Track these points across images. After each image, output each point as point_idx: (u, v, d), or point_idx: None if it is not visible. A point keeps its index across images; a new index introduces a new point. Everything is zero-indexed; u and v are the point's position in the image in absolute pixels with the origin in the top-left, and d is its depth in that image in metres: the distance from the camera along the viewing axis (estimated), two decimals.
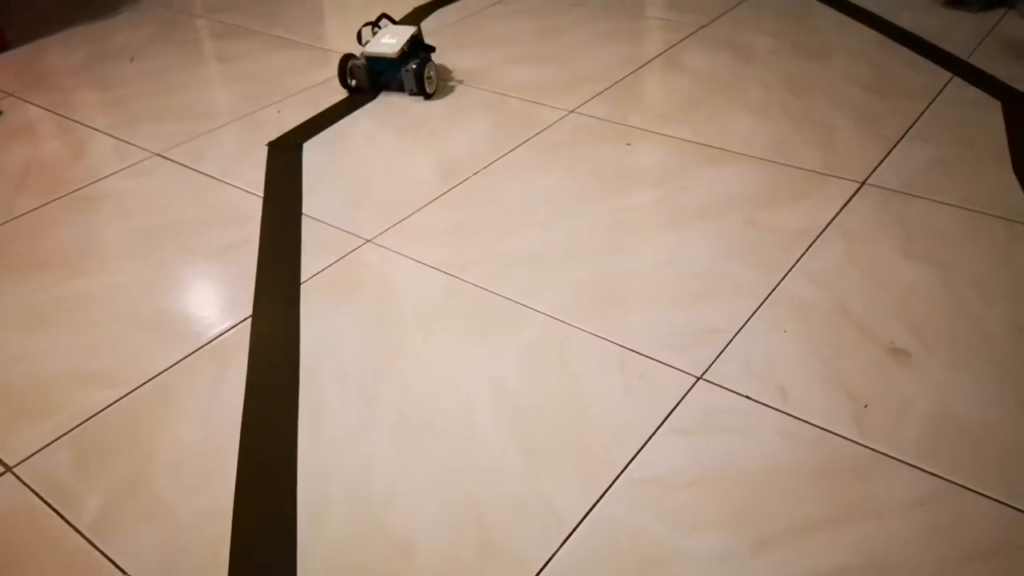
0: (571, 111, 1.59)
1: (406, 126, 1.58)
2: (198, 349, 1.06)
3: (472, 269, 1.18)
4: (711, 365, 0.99)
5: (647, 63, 1.76)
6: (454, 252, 1.21)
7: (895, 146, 1.38)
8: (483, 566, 0.78)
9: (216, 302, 1.15)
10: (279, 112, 1.65)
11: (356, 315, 1.10)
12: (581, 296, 1.11)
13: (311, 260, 1.21)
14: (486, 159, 1.44)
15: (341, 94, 1.71)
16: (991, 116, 1.46)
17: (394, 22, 1.76)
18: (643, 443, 0.89)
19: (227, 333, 1.08)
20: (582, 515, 0.82)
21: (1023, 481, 0.82)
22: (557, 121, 1.55)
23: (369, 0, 2.24)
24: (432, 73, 1.67)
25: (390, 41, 1.67)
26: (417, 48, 1.70)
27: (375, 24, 1.74)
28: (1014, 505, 0.80)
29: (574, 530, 0.80)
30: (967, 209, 1.21)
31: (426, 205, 1.33)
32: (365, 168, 1.44)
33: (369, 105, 1.67)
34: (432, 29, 2.01)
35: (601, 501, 0.83)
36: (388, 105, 1.66)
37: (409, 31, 1.69)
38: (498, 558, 0.78)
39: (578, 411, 0.94)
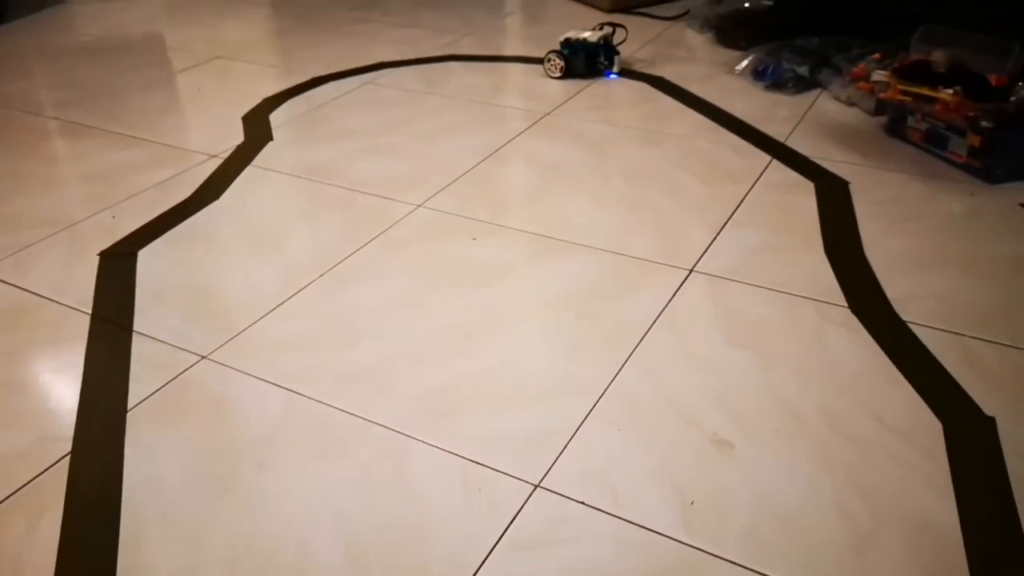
0: (419, 205, 1.61)
1: (249, 228, 1.55)
2: (4, 500, 0.98)
3: (312, 383, 1.16)
4: (548, 471, 1.00)
5: (493, 153, 1.81)
6: (294, 365, 1.19)
7: (720, 232, 1.47)
8: None
9: (29, 440, 1.07)
10: (113, 217, 1.59)
11: (186, 444, 1.06)
12: (423, 405, 1.11)
13: (140, 383, 1.16)
14: (331, 260, 1.43)
15: (182, 194, 1.67)
16: (805, 198, 1.57)
17: None
18: (480, 563, 0.89)
19: (40, 476, 1.01)
20: None
21: (836, 571, 0.86)
22: (405, 216, 1.57)
23: (222, 93, 2.22)
24: None
25: None
26: None
27: None
28: None
29: None
30: (783, 292, 1.30)
31: (267, 314, 1.30)
32: (204, 276, 1.40)
33: (212, 205, 1.63)
34: (280, 122, 2.00)
35: None
36: (232, 205, 1.63)
37: None
38: None
39: (418, 532, 0.93)
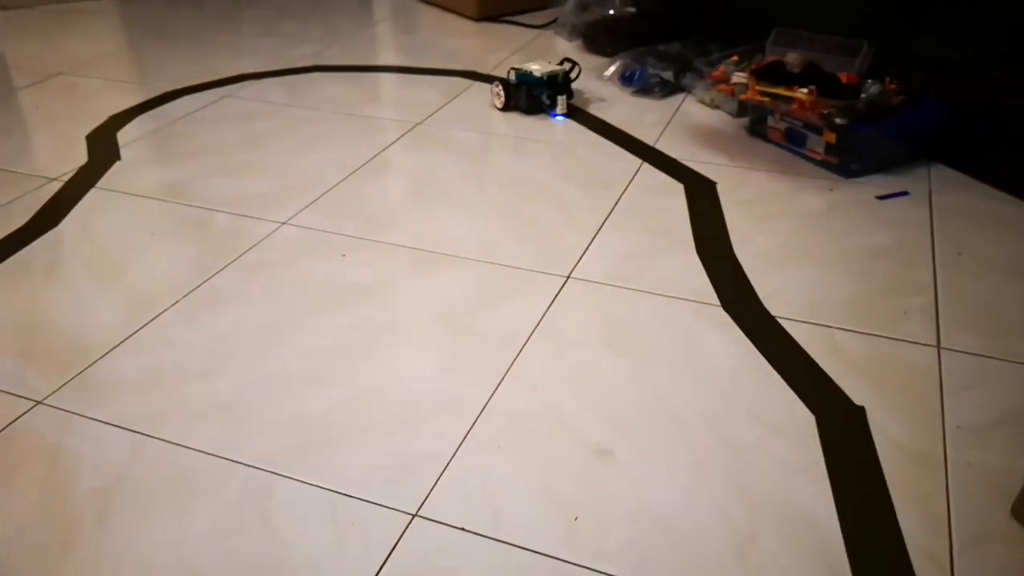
0: (283, 223, 1.52)
1: (92, 255, 1.42)
2: None
3: (163, 423, 1.05)
4: (426, 498, 0.95)
5: (362, 166, 1.74)
6: (142, 404, 1.08)
7: (594, 238, 1.46)
8: None
9: None
10: None
11: (20, 503, 0.94)
12: (288, 439, 1.03)
13: None
14: (185, 287, 1.32)
15: (16, 223, 1.51)
16: (676, 200, 1.59)
17: None
18: None
19: None
20: None
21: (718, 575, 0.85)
22: (267, 236, 1.48)
23: (64, 111, 2.04)
24: None
25: None
26: None
27: None
28: None
29: None
30: (658, 295, 1.29)
31: (111, 350, 1.18)
32: (39, 311, 1.27)
33: (50, 233, 1.49)
34: (129, 140, 1.86)
35: None
36: (73, 232, 1.49)
37: None
38: None
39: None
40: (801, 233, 1.46)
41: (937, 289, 1.29)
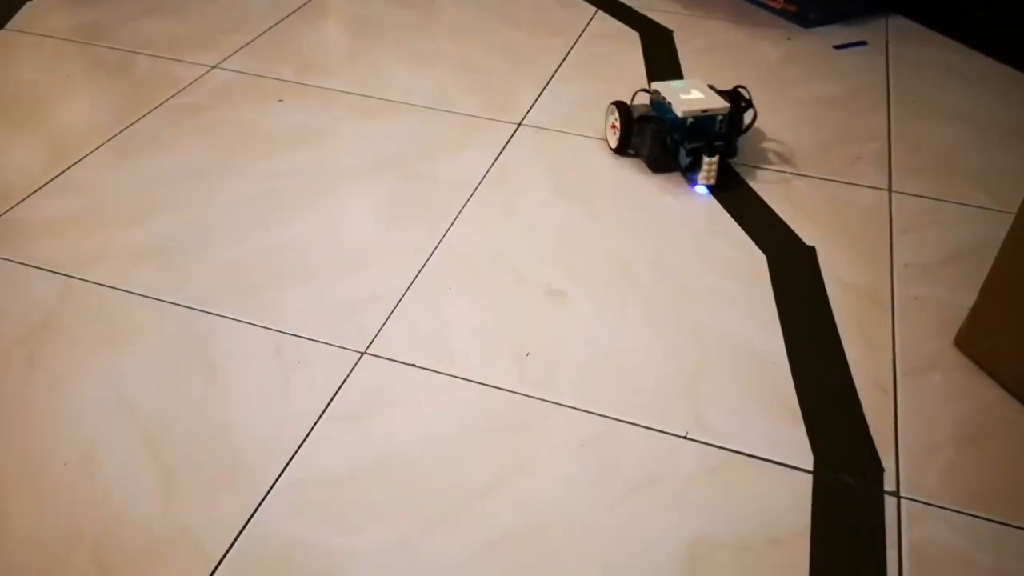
0: (213, 67, 1.41)
1: (4, 101, 1.30)
2: None
3: (92, 267, 1.00)
4: (375, 337, 0.92)
5: (298, 9, 1.62)
6: (68, 249, 1.02)
7: (547, 85, 1.40)
8: None
9: None
10: None
11: None
12: (227, 281, 0.99)
13: None
14: (107, 132, 1.23)
15: None
16: (631, 48, 1.52)
17: None
18: (303, 439, 0.81)
19: None
20: (229, 542, 0.72)
21: (669, 408, 0.85)
22: (197, 79, 1.37)
23: None
24: None
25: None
26: None
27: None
28: (665, 430, 0.83)
29: (218, 565, 0.70)
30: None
31: (32, 194, 1.10)
32: None
33: None
34: None
35: (252, 521, 0.73)
36: None
37: None
38: None
39: (226, 415, 0.83)
40: (758, 82, 1.42)
41: (890, 136, 1.28)
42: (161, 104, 1.30)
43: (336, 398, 0.85)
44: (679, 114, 1.12)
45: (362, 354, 0.90)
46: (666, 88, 1.17)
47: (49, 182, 1.13)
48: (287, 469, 0.78)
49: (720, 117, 1.15)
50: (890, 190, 1.16)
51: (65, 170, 1.15)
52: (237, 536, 0.72)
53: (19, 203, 1.09)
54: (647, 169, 1.20)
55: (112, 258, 1.01)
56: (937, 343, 0.93)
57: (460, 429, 0.82)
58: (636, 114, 1.18)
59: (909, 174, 1.20)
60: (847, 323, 0.95)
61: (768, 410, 0.85)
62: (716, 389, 0.87)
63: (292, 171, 1.17)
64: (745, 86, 1.21)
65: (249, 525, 0.73)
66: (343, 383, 0.87)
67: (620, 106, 1.19)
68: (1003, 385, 0.87)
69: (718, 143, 1.14)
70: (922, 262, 1.04)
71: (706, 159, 1.12)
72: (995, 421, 0.84)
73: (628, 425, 0.83)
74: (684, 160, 1.14)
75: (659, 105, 1.18)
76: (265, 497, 0.75)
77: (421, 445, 0.81)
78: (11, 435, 0.80)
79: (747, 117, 1.19)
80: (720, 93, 1.17)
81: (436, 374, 0.88)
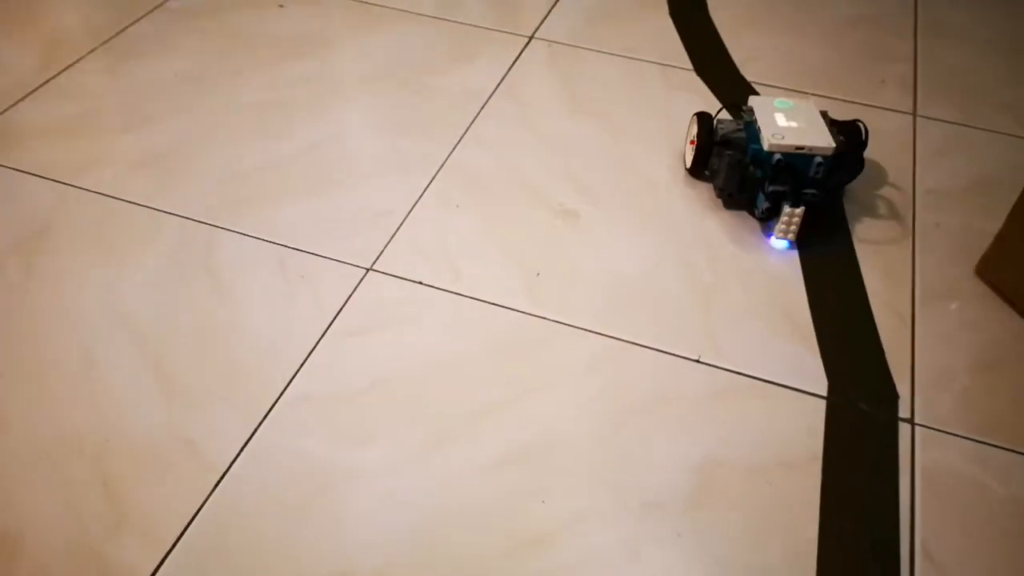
0: None
1: None
2: None
3: (88, 173, 0.96)
4: (381, 253, 0.90)
5: None
6: (63, 155, 0.98)
7: None
8: (113, 544, 0.64)
9: None
10: None
11: None
12: (229, 191, 0.95)
13: None
14: (102, 35, 1.18)
15: None
16: None
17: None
18: (307, 354, 0.79)
19: None
20: (233, 455, 0.71)
21: (681, 331, 0.84)
22: None
23: None
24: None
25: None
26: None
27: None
28: (676, 353, 0.81)
29: (223, 476, 0.69)
30: (627, 57, 1.20)
31: (23, 98, 1.06)
32: None
33: None
34: None
35: (257, 434, 0.72)
36: None
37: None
38: (130, 530, 0.65)
39: (230, 330, 0.81)
40: (782, 1, 1.36)
41: (917, 59, 1.23)
42: (156, 7, 1.24)
43: (341, 314, 0.83)
44: (765, 146, 0.88)
45: (367, 270, 0.88)
46: (762, 107, 0.93)
47: (41, 86, 1.08)
48: (291, 384, 0.76)
49: (820, 159, 0.88)
50: (915, 114, 1.12)
51: (58, 74, 1.10)
52: (242, 448, 0.71)
53: (11, 107, 1.05)
54: (654, 82, 1.15)
55: (108, 165, 0.98)
56: (957, 271, 0.90)
57: (468, 347, 0.81)
58: (721, 133, 0.96)
59: (935, 99, 1.15)
60: (866, 250, 0.93)
61: (782, 336, 0.83)
62: (730, 314, 0.85)
63: (293, 80, 1.12)
64: (863, 122, 0.96)
65: (254, 438, 0.72)
66: (348, 299, 0.85)
67: (702, 119, 0.97)
68: (1022, 314, 0.85)
69: (809, 192, 0.89)
70: (945, 189, 1.01)
71: (787, 208, 0.88)
72: (1012, 350, 0.82)
73: (639, 347, 0.82)
74: (761, 204, 0.90)
75: (750, 127, 0.93)
76: (270, 411, 0.74)
77: (428, 362, 0.79)
78: (8, 343, 0.78)
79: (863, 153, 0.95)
80: (835, 124, 0.94)
81: (443, 292, 0.86)
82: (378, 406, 0.75)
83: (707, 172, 0.99)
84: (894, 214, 0.97)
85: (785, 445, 0.74)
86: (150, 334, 0.80)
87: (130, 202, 0.93)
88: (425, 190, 0.98)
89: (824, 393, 0.78)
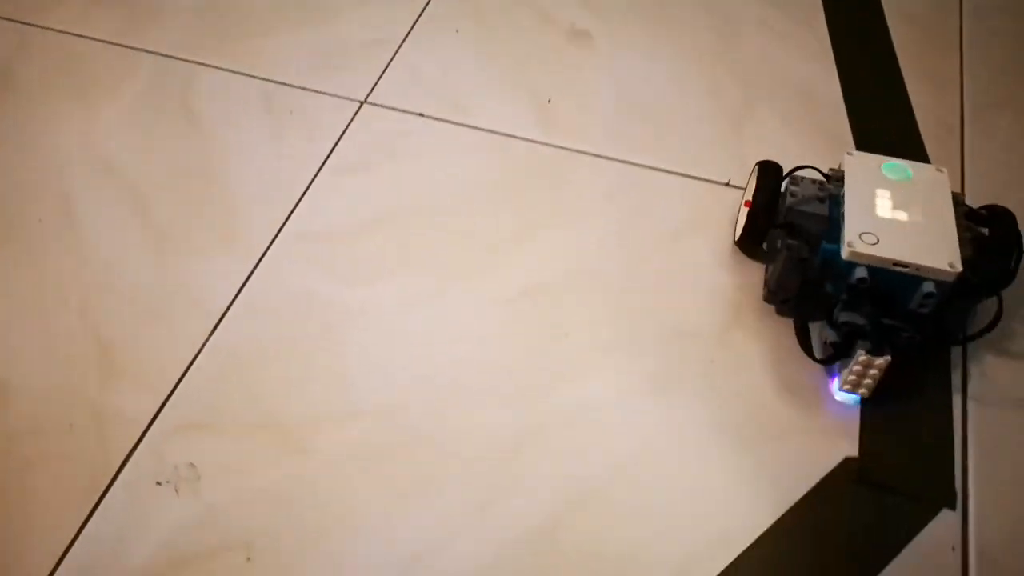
0: None
1: None
2: None
3: (50, 11, 0.87)
4: (376, 84, 0.82)
5: None
6: None
7: None
8: (107, 391, 0.60)
9: None
10: None
11: None
12: (201, 24, 0.87)
13: None
14: None
15: None
16: None
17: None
18: (302, 193, 0.73)
19: None
20: (230, 298, 0.66)
21: (708, 155, 0.76)
22: None
23: None
24: None
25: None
26: None
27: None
28: (704, 177, 0.74)
29: (220, 319, 0.64)
30: None
31: None
32: None
33: None
34: None
35: (253, 276, 0.67)
36: None
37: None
38: (125, 378, 0.61)
39: (214, 169, 0.74)
40: None
41: None
42: None
43: (336, 150, 0.76)
44: (844, 251, 0.55)
45: (361, 103, 0.80)
46: (862, 172, 0.59)
47: None
48: (287, 223, 0.71)
49: (931, 287, 0.54)
50: None
51: None
52: (238, 291, 0.66)
53: None
54: None
55: (68, 1, 0.88)
56: (1009, 79, 0.82)
57: (475, 181, 0.74)
58: (791, 201, 0.60)
59: None
60: (910, 59, 0.84)
61: (822, 154, 0.76)
62: (762, 134, 0.78)
63: None
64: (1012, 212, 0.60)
65: (250, 280, 0.67)
66: (342, 134, 0.78)
67: (766, 172, 0.64)
68: None
69: (905, 332, 0.55)
70: None
71: (862, 355, 0.54)
72: None
73: (662, 173, 0.75)
74: (827, 335, 0.57)
75: (834, 206, 0.59)
76: (265, 252, 0.68)
77: (433, 198, 0.73)
78: None
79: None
80: (972, 215, 0.59)
81: (446, 123, 0.79)
82: (382, 244, 0.69)
83: (763, 248, 0.65)
84: (940, 20, 0.87)
85: None
86: (132, 179, 0.73)
87: (97, 40, 0.85)
88: (421, 14, 0.88)
89: None
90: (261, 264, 0.68)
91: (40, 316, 0.64)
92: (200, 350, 0.62)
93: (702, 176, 0.74)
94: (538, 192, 0.73)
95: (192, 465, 0.56)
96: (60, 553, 0.53)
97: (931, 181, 0.59)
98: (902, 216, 0.57)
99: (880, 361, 0.54)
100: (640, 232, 0.70)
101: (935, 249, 0.54)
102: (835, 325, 0.56)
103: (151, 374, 0.61)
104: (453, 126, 0.78)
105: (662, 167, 0.75)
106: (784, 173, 0.64)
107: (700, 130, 0.78)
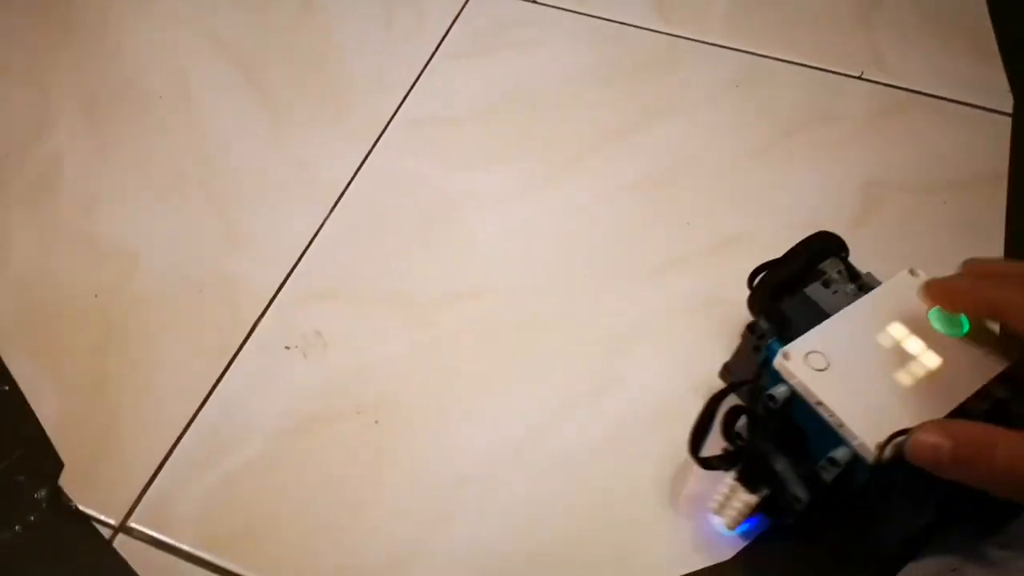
0: None
1: None
2: None
3: None
4: None
5: None
6: None
7: None
8: (232, 262, 0.61)
9: None
10: None
11: None
12: None
13: None
14: None
15: None
16: None
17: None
18: (415, 78, 0.72)
19: None
20: (348, 178, 0.65)
21: (838, 46, 0.72)
22: None
23: None
24: None
25: None
26: None
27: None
28: (832, 69, 0.71)
29: (339, 198, 0.64)
30: None
31: None
32: None
33: None
34: None
35: (369, 158, 0.66)
36: None
37: None
38: (248, 250, 0.62)
39: (328, 52, 0.74)
40: None
41: None
42: None
43: (448, 36, 0.75)
44: (778, 355, 0.41)
45: None
46: (904, 297, 0.43)
47: None
48: (401, 108, 0.70)
49: (843, 452, 0.39)
50: None
51: None
52: (355, 172, 0.66)
53: None
54: None
55: None
56: None
57: (590, 69, 0.72)
58: (812, 285, 0.47)
59: None
60: None
61: (959, 48, 0.71)
62: (897, 23, 0.73)
63: None
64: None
65: (366, 162, 0.66)
66: (454, 20, 0.76)
67: (817, 240, 0.51)
68: None
69: (790, 488, 0.41)
70: None
71: (731, 476, 0.44)
72: None
73: (787, 64, 0.71)
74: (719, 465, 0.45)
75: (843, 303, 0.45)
76: (380, 136, 0.68)
77: (549, 86, 0.71)
78: (104, 76, 0.73)
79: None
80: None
81: (561, 11, 0.76)
82: (495, 131, 0.68)
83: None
84: None
85: (963, 165, 0.64)
86: (247, 59, 0.73)
87: None
88: None
89: (1010, 110, 0.67)
90: (376, 147, 0.67)
91: (164, 189, 0.65)
92: (322, 225, 0.63)
93: (830, 68, 0.71)
94: (655, 82, 0.71)
95: (318, 333, 0.57)
96: (193, 411, 0.54)
97: (981, 353, 0.40)
98: (893, 366, 0.40)
99: (746, 497, 0.43)
100: (762, 124, 0.67)
101: (880, 418, 0.38)
102: (729, 433, 0.45)
103: (274, 246, 0.62)
104: (568, 13, 0.76)
105: (787, 58, 0.72)
106: (842, 251, 0.50)
107: (828, 19, 0.74)
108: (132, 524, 0.50)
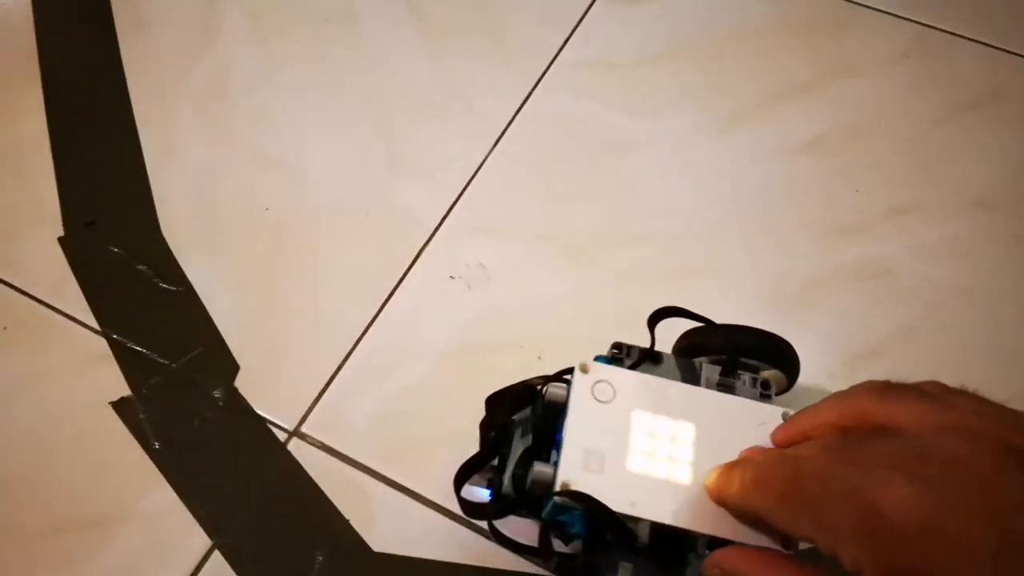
0: None
1: None
2: None
3: None
4: None
5: None
6: None
7: None
8: (396, 192, 0.62)
9: None
10: None
11: None
12: None
13: None
14: None
15: None
16: None
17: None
18: (578, 20, 0.71)
19: None
20: (510, 115, 0.65)
21: (1008, 21, 0.70)
22: None
23: None
24: None
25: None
26: None
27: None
28: (1003, 47, 0.68)
29: (501, 135, 0.65)
30: None
31: None
32: None
33: None
34: None
35: (532, 96, 0.66)
36: None
37: None
38: (414, 177, 0.63)
39: None
40: None
41: None
42: None
43: None
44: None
45: None
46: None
47: None
48: (563, 49, 0.69)
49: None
50: None
51: None
52: (518, 109, 0.66)
53: None
54: None
55: None
56: None
57: (765, 25, 0.70)
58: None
59: None
60: None
61: None
62: None
63: None
64: None
65: (529, 99, 0.66)
66: None
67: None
68: None
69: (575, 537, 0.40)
70: None
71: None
72: None
73: (965, 40, 0.69)
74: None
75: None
76: (543, 75, 0.68)
77: (713, 37, 0.70)
78: (276, 3, 0.74)
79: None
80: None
81: None
82: (662, 77, 0.67)
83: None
84: None
85: None
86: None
87: None
88: None
89: None
90: (539, 85, 0.67)
91: (329, 111, 0.66)
92: (486, 158, 0.63)
93: (1013, 49, 0.68)
94: (828, 45, 0.69)
95: (482, 265, 0.58)
96: (361, 330, 0.56)
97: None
98: (656, 454, 0.37)
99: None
100: (936, 97, 0.66)
101: (599, 475, 0.36)
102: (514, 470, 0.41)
103: (439, 177, 0.62)
104: None
105: (966, 34, 0.69)
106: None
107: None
108: (304, 430, 0.52)
